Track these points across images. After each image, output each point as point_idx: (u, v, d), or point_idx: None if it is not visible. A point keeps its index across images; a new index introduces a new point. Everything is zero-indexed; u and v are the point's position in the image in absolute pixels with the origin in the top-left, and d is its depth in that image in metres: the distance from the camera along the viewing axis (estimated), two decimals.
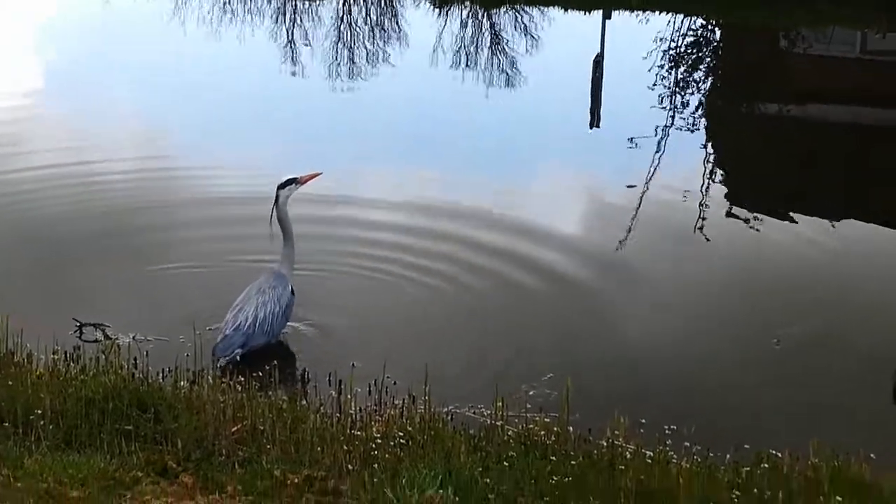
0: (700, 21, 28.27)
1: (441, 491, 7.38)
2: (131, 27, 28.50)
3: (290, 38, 27.52)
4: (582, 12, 29.74)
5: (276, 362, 10.28)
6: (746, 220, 15.10)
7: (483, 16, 30.07)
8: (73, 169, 16.21)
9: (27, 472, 7.52)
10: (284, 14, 29.73)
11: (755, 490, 7.73)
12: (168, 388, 8.87)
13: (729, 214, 15.32)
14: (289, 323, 11.28)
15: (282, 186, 11.06)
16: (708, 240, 14.32)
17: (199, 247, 13.57)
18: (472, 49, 26.90)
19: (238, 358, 10.66)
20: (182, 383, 9.04)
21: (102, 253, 13.36)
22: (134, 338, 10.87)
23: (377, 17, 29.89)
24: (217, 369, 10.30)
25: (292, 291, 11.03)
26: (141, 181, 15.97)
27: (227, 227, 14.05)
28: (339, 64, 25.00)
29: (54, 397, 8.32)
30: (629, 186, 16.01)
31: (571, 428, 8.61)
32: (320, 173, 11.35)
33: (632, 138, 18.51)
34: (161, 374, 9.77)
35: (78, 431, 8.13)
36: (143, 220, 14.44)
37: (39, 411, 8.09)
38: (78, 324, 11.08)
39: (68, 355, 9.80)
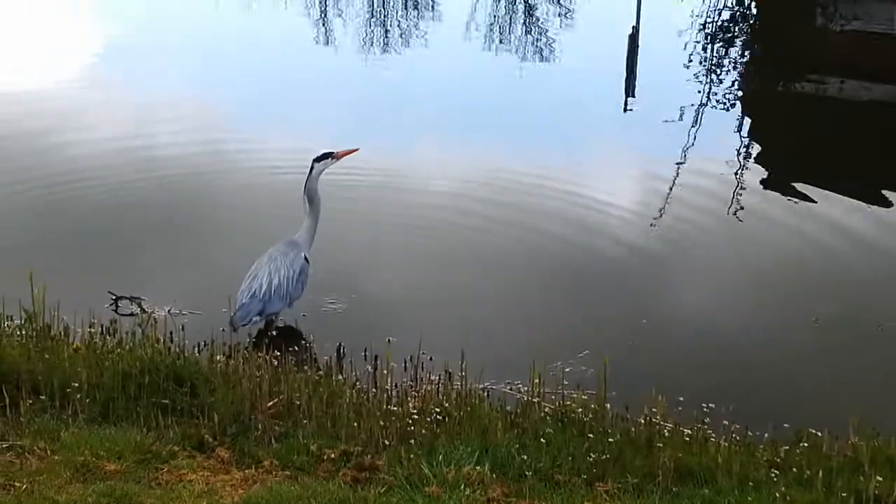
0: None
1: (478, 467, 7.36)
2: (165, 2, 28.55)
3: (322, 13, 27.48)
4: None
5: (311, 337, 10.29)
6: (782, 199, 14.99)
7: None
8: (112, 144, 16.24)
9: (64, 444, 7.53)
10: None
11: (794, 469, 7.71)
12: (204, 362, 8.88)
13: (763, 193, 15.21)
14: (329, 301, 11.28)
15: (318, 160, 11.04)
16: (741, 219, 14.20)
17: (234, 221, 13.59)
18: (505, 24, 26.80)
19: (262, 325, 10.69)
20: (218, 357, 9.02)
21: (139, 226, 13.38)
22: (169, 311, 10.90)
23: None
24: (253, 344, 10.30)
25: (306, 259, 10.99)
26: (179, 156, 15.98)
27: (264, 201, 14.05)
28: (372, 39, 24.96)
29: (91, 371, 8.32)
30: (665, 164, 15.92)
31: (609, 405, 8.57)
32: (357, 149, 11.32)
33: (666, 116, 18.41)
34: (197, 348, 9.78)
35: (114, 405, 8.13)
36: (180, 195, 14.48)
37: (76, 384, 8.10)
38: (114, 297, 11.10)
39: (104, 329, 9.81)
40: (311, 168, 11.05)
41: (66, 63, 21.78)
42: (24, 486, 7.03)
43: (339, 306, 11.33)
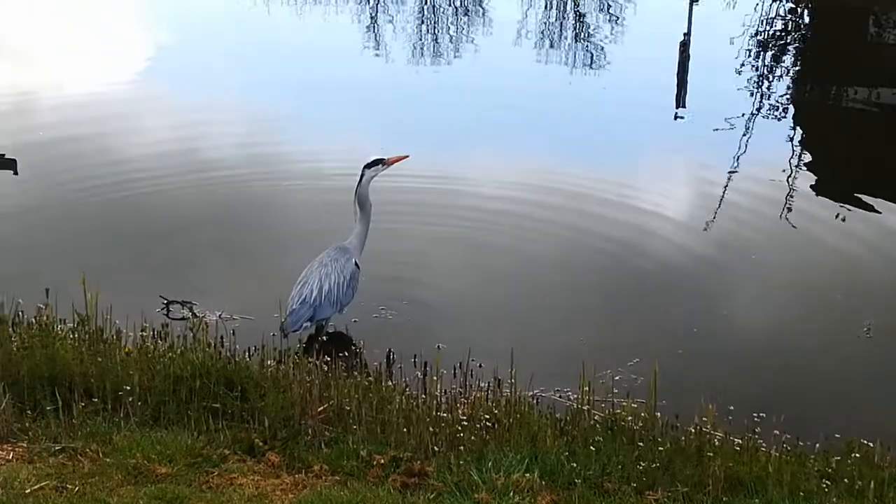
0: (789, 5, 27.96)
1: (527, 474, 7.37)
2: (217, 6, 28.67)
3: (373, 19, 27.54)
4: None
5: (362, 343, 10.32)
6: (833, 208, 14.89)
7: None
8: (164, 149, 16.36)
9: (116, 447, 7.59)
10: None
11: (846, 480, 7.66)
12: (255, 366, 8.91)
13: (815, 201, 15.13)
14: (380, 307, 11.33)
15: (368, 166, 11.07)
16: (794, 227, 14.14)
17: (285, 226, 13.66)
18: (556, 31, 26.78)
19: (313, 330, 10.75)
20: (269, 362, 9.08)
21: (191, 231, 13.49)
22: (220, 316, 10.95)
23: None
24: (303, 349, 10.34)
25: (356, 265, 11.02)
26: (230, 162, 16.05)
27: (315, 207, 14.11)
28: (422, 46, 25.00)
29: (143, 374, 8.39)
30: (716, 171, 15.88)
31: (659, 414, 8.53)
32: (407, 156, 11.34)
33: (717, 123, 18.34)
34: (248, 353, 9.83)
35: (166, 408, 8.19)
36: (231, 200, 14.56)
37: (128, 388, 8.16)
38: (165, 301, 11.17)
39: (156, 332, 9.87)
40: (362, 174, 11.07)
41: (120, 68, 21.93)
42: (77, 489, 7.10)
43: (389, 312, 11.35)
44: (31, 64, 22.55)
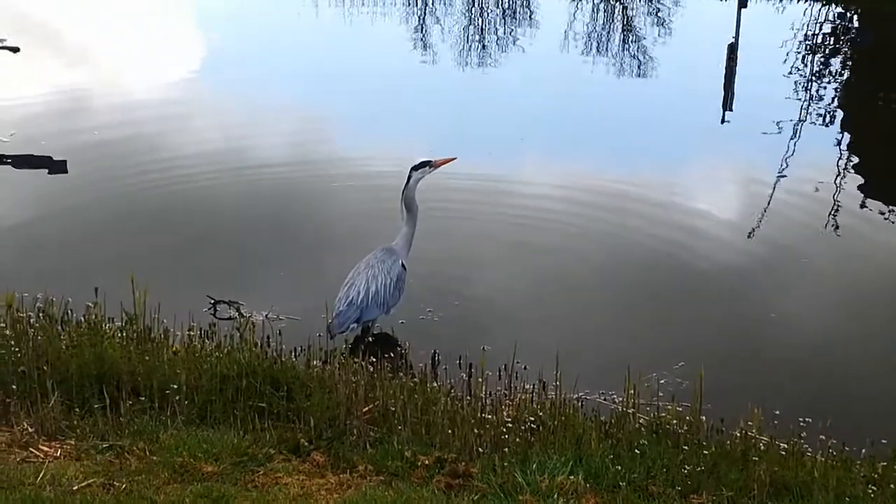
0: (838, 9, 27.82)
1: (571, 477, 7.36)
2: (265, 9, 28.79)
3: (421, 21, 27.59)
4: (718, 0, 29.42)
5: (407, 344, 10.34)
6: (881, 213, 14.82)
7: (615, 1, 29.88)
8: (213, 150, 16.46)
9: (163, 446, 7.63)
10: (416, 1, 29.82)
11: (892, 485, 7.61)
12: (301, 366, 8.95)
13: (863, 207, 15.04)
14: (427, 309, 11.36)
15: (415, 168, 11.10)
16: (842, 230, 14.07)
17: (332, 228, 13.71)
18: (603, 35, 26.75)
19: (359, 331, 10.79)
20: (315, 362, 9.13)
21: (238, 232, 13.54)
22: (267, 316, 11.00)
23: (508, 2, 29.84)
24: (349, 349, 10.38)
25: (403, 266, 11.04)
26: (277, 163, 16.11)
27: (362, 208, 14.14)
28: (469, 48, 25.02)
29: (189, 373, 8.43)
30: (763, 176, 15.83)
31: (704, 418, 8.51)
32: (454, 158, 11.36)
33: (765, 128, 18.27)
34: (294, 353, 9.87)
35: (212, 407, 8.23)
36: (278, 201, 14.63)
37: (175, 386, 8.21)
38: (212, 301, 11.23)
39: (203, 332, 9.92)
40: (409, 176, 11.10)
41: (167, 70, 22.06)
42: (124, 486, 7.14)
43: (436, 314, 11.37)
44: (84, 64, 22.73)
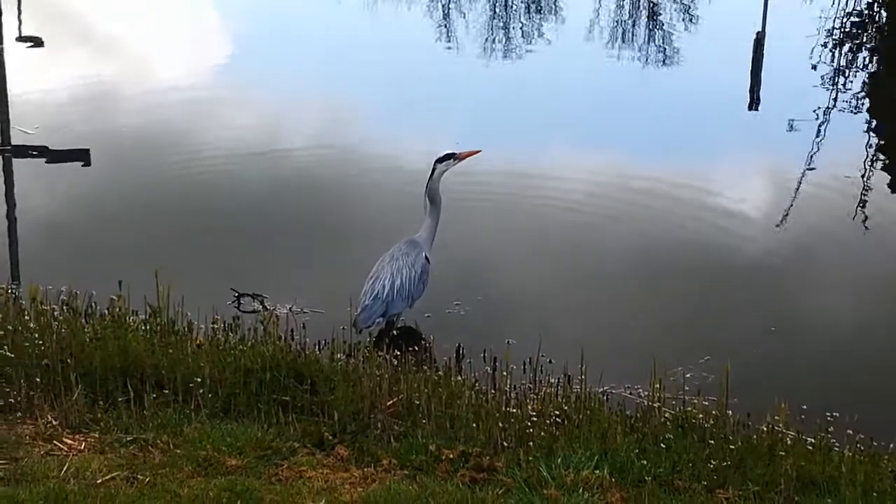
0: (866, 1, 27.65)
1: (597, 471, 7.33)
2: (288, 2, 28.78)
3: (445, 14, 27.52)
4: None
5: (431, 337, 10.32)
6: None
7: None
8: (238, 142, 16.43)
9: (186, 439, 7.63)
10: None
11: None
12: (325, 360, 8.93)
13: (893, 198, 14.95)
14: (454, 301, 11.32)
15: (440, 160, 11.07)
16: (870, 224, 13.98)
17: (356, 220, 13.68)
18: (629, 27, 26.63)
19: (393, 330, 10.73)
20: (339, 356, 9.09)
21: (262, 224, 13.51)
22: (291, 309, 10.99)
23: None
24: (373, 343, 10.36)
25: (427, 259, 11.01)
26: (302, 155, 16.10)
27: (386, 201, 14.11)
28: (494, 40, 24.93)
29: (213, 366, 8.42)
30: (790, 167, 15.74)
31: (730, 412, 8.46)
32: (479, 151, 11.33)
33: (792, 119, 18.17)
34: (318, 347, 9.85)
35: (236, 400, 8.22)
36: (301, 194, 14.60)
37: (199, 379, 8.20)
38: (236, 294, 11.22)
39: (227, 325, 9.89)
40: (434, 169, 11.07)
41: (192, 60, 22.07)
42: (147, 479, 7.14)
43: (462, 308, 11.33)
44: (107, 55, 22.73)
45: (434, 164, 11.07)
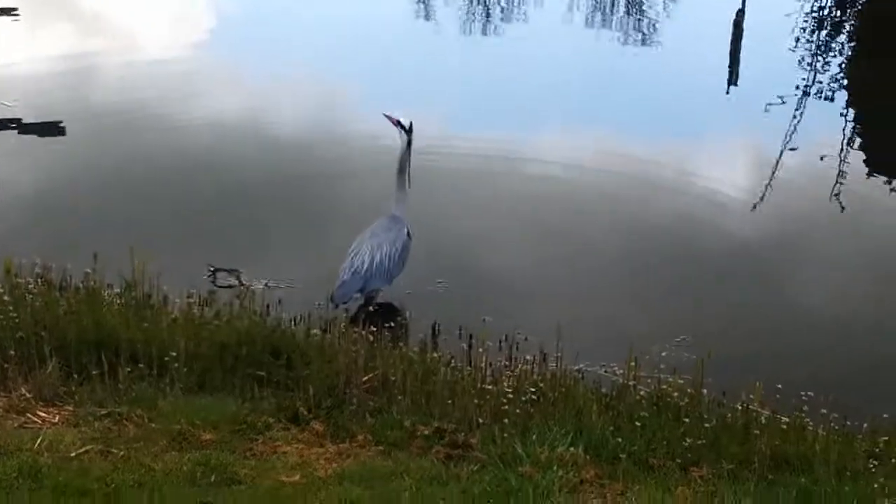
0: None
1: (571, 448, 7.35)
2: None
3: None
4: None
5: (408, 314, 10.31)
6: (886, 187, 14.79)
7: None
8: (214, 120, 16.33)
9: (161, 413, 7.61)
10: None
11: (892, 459, 7.61)
12: (300, 335, 8.92)
13: (868, 180, 15.00)
14: (437, 280, 11.33)
15: (409, 131, 11.02)
16: (846, 205, 14.01)
17: (332, 196, 13.64)
18: (607, 7, 26.58)
19: (362, 301, 10.72)
20: (314, 331, 9.08)
21: (241, 199, 13.46)
22: (267, 284, 10.96)
23: None
24: (349, 319, 10.34)
25: (408, 235, 10.98)
26: (278, 133, 15.99)
27: (361, 177, 14.04)
28: (473, 19, 24.86)
29: (188, 341, 8.39)
30: (768, 149, 15.76)
31: (705, 391, 8.48)
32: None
33: (770, 101, 18.17)
34: (293, 322, 9.83)
35: (211, 375, 8.20)
36: (277, 170, 14.50)
37: (174, 354, 8.17)
38: (212, 269, 11.18)
39: (203, 300, 9.87)
40: (410, 141, 11.02)
41: (171, 37, 21.94)
42: (122, 453, 7.12)
43: (441, 286, 11.30)
44: (86, 29, 22.59)
45: (409, 136, 11.01)
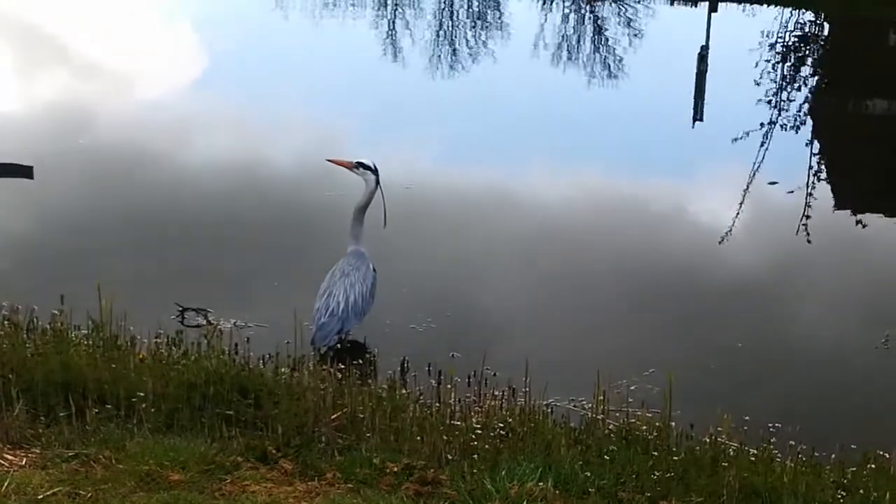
0: (809, 15, 27.91)
1: (541, 483, 7.32)
2: (235, 15, 28.67)
3: (391, 28, 27.53)
4: (688, 5, 29.49)
5: (376, 350, 10.31)
6: (852, 219, 14.87)
7: (586, 8, 29.90)
8: (184, 157, 16.38)
9: (129, 454, 7.56)
10: (386, 5, 29.73)
11: (861, 491, 7.61)
12: (269, 374, 8.89)
13: (834, 212, 15.09)
14: (412, 319, 11.32)
15: (375, 171, 11.02)
16: (812, 237, 14.08)
17: (299, 235, 13.63)
18: (574, 42, 26.76)
19: (338, 345, 10.69)
20: (283, 370, 9.05)
21: (207, 239, 13.45)
22: (235, 323, 10.94)
23: (479, 9, 29.82)
24: (318, 357, 10.32)
25: (373, 269, 10.99)
26: (249, 171, 16.03)
27: (326, 216, 14.03)
28: (440, 55, 24.97)
29: (156, 380, 8.34)
30: (733, 183, 15.85)
31: (674, 424, 8.49)
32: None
33: (735, 135, 18.28)
34: (262, 361, 9.80)
35: (179, 415, 8.15)
36: (245, 209, 14.51)
37: (142, 394, 8.12)
38: (180, 308, 11.16)
39: (170, 339, 9.84)
40: (378, 179, 11.01)
41: (142, 78, 21.98)
42: (90, 495, 7.07)
43: (404, 321, 11.30)
44: (62, 71, 22.59)
45: (376, 176, 11.00)
